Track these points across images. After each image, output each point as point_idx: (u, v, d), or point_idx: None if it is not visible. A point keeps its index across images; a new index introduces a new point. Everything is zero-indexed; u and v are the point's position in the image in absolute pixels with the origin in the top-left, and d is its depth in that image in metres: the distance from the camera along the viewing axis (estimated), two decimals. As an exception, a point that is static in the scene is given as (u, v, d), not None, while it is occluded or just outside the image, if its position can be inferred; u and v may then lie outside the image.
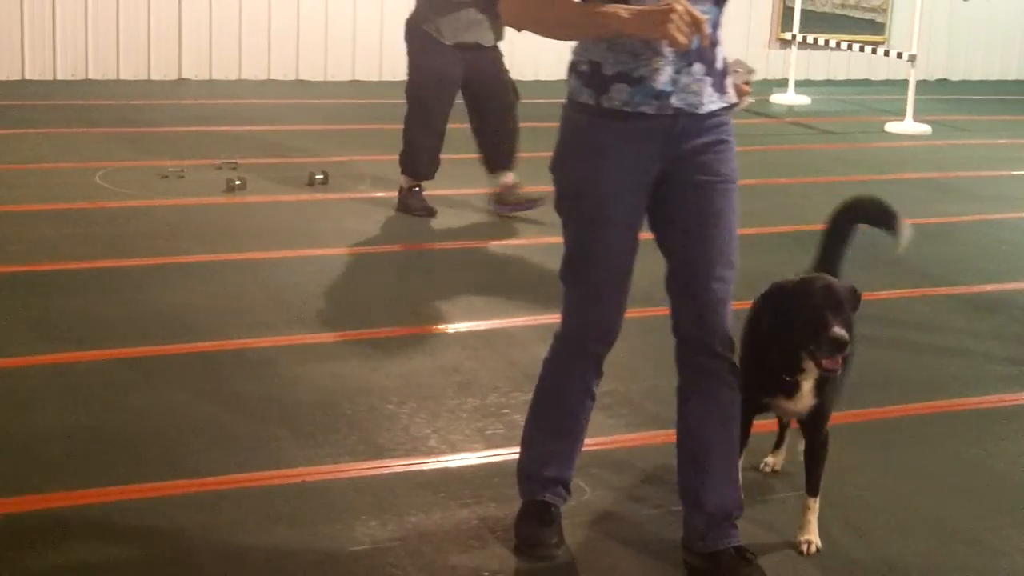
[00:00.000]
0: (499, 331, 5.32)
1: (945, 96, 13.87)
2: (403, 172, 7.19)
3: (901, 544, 3.64)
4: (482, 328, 5.35)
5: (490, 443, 4.18)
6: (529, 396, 4.50)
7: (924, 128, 11.08)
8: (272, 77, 12.20)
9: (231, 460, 3.98)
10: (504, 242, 6.66)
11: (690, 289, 3.28)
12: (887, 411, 4.63)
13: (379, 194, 7.67)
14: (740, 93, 3.41)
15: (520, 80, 7.56)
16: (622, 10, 3.03)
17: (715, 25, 3.17)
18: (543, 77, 12.05)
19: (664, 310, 3.37)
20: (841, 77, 14.68)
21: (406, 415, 4.38)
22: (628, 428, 4.32)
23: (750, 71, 3.50)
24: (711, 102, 3.21)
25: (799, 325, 3.29)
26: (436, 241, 6.69)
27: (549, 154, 3.35)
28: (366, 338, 5.16)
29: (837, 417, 3.97)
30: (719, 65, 3.24)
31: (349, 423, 4.30)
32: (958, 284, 6.32)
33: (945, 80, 15.25)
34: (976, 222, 7.78)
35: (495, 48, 7.00)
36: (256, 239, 6.59)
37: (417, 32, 6.90)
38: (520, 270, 6.17)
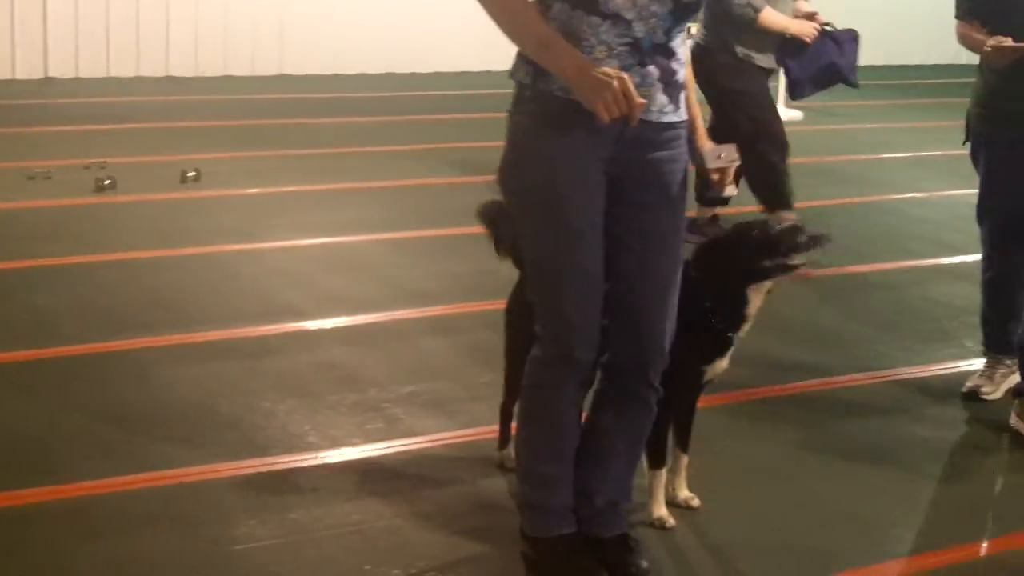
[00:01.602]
0: (378, 325, 5.29)
1: (814, 82, 14.10)
2: (774, 208, 6.58)
3: (785, 522, 3.71)
4: (361, 323, 5.31)
5: (369, 437, 4.16)
6: (410, 389, 4.56)
7: (795, 114, 11.24)
8: (141, 74, 11.98)
9: (107, 464, 3.90)
10: (382, 236, 6.62)
11: (634, 316, 3.16)
12: (763, 391, 4.70)
13: (253, 190, 7.57)
14: (724, 180, 3.33)
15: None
16: (567, 54, 2.89)
17: (677, 32, 3.01)
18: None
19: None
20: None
21: (284, 412, 4.34)
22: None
23: (732, 160, 3.33)
24: (664, 112, 3.04)
25: (759, 255, 3.41)
26: (308, 237, 6.62)
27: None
28: (244, 337, 5.09)
29: (713, 399, 4.04)
30: (677, 76, 3.05)
31: (227, 423, 4.24)
32: (829, 267, 6.44)
33: (814, 67, 15.51)
34: (847, 205, 7.95)
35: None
36: (128, 239, 6.47)
37: (726, 58, 6.55)
38: (399, 264, 6.13)
